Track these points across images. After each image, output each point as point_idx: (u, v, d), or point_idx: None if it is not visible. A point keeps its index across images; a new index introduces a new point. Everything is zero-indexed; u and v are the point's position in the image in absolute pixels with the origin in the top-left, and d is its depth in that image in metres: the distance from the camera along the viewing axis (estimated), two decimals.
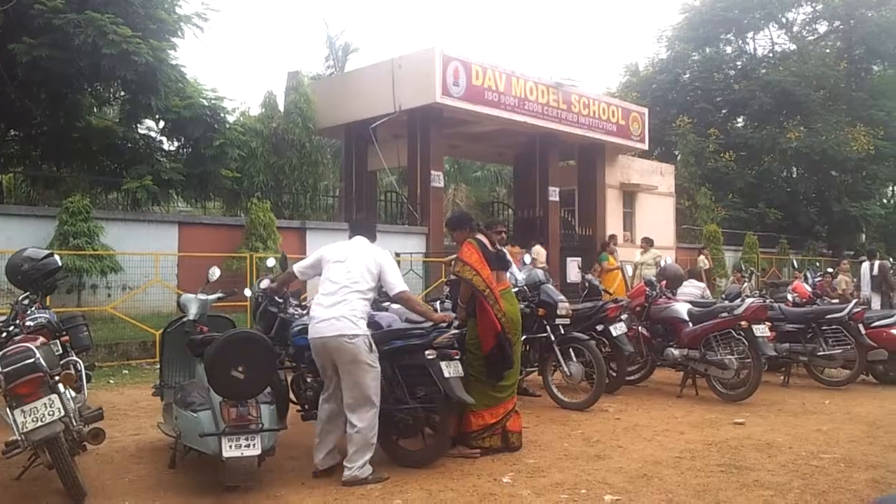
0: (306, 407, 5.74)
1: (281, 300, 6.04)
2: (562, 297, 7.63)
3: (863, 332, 8.74)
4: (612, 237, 16.25)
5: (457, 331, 5.27)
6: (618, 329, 7.85)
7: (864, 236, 29.66)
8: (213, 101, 13.28)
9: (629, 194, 20.58)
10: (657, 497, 4.57)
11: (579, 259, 17.37)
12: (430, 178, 15.16)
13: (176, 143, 14.08)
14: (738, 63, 31.77)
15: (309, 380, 5.69)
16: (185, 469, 5.09)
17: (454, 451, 5.40)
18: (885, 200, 32.68)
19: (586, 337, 7.45)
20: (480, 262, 5.67)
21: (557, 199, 18.13)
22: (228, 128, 13.60)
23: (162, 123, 13.62)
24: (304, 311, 5.91)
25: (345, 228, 14.09)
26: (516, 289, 7.42)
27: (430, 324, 5.18)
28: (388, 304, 7.43)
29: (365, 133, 15.81)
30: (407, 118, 15.26)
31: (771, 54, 32.19)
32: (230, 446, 4.39)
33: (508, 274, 6.94)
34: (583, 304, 8.62)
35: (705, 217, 23.66)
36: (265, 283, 9.33)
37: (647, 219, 20.56)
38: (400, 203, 17.00)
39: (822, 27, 32.17)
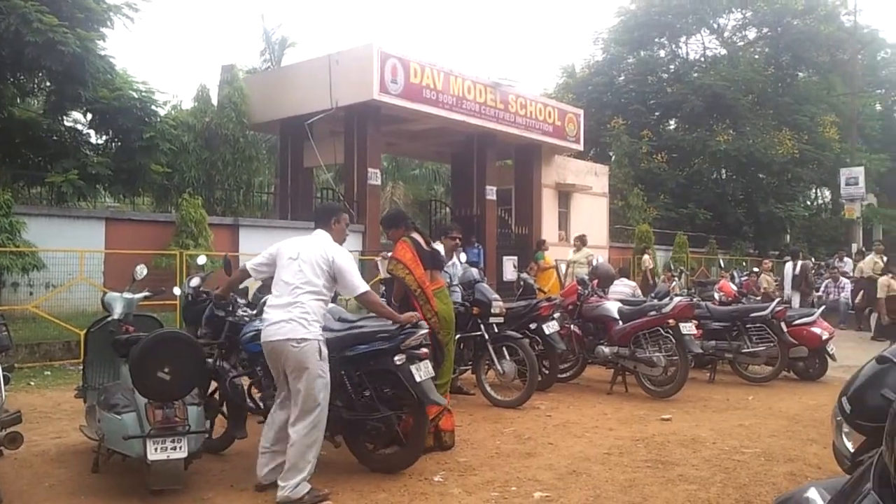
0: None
1: (228, 302, 5.74)
2: (496, 295, 7.71)
3: (785, 330, 9.05)
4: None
5: (425, 330, 5.04)
6: (550, 327, 7.95)
7: (788, 237, 30.72)
8: (143, 94, 12.93)
9: (565, 194, 20.87)
10: (585, 493, 4.65)
11: (515, 257, 17.55)
12: (367, 176, 15.08)
13: (104, 137, 13.65)
14: (671, 66, 32.55)
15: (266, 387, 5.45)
16: (109, 473, 4.94)
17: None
18: (808, 202, 33.93)
19: (520, 335, 7.53)
20: (414, 260, 5.68)
21: (494, 197, 18.26)
22: (159, 121, 13.26)
23: (89, 116, 13.19)
24: (254, 312, 5.64)
25: (279, 226, 14.07)
26: (454, 287, 7.47)
27: (396, 325, 4.88)
28: None
29: (301, 129, 15.62)
30: (344, 115, 15.14)
31: (702, 59, 33.08)
32: (155, 449, 4.29)
33: (445, 272, 6.99)
34: (517, 303, 8.70)
35: (638, 217, 24.16)
36: (196, 282, 9.14)
37: (581, 218, 20.88)
38: (336, 200, 16.85)
39: (752, 34, 33.22)
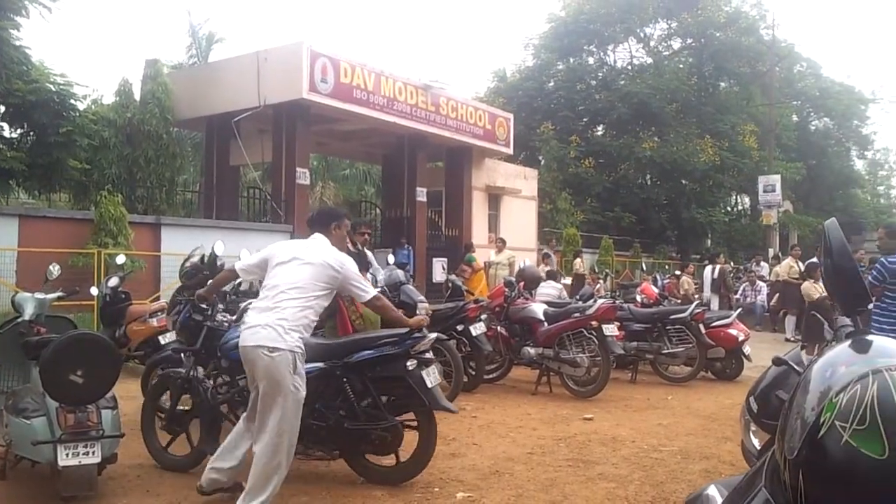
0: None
1: (207, 306, 5.28)
2: (421, 297, 7.72)
3: (703, 331, 9.35)
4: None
5: (434, 335, 4.93)
6: (477, 329, 8.01)
7: (709, 241, 31.69)
8: (61, 87, 12.46)
9: (494, 197, 21.02)
10: (507, 493, 4.70)
11: (445, 259, 17.60)
12: (296, 176, 14.86)
13: (18, 131, 13.09)
14: (600, 74, 33.16)
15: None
16: (17, 480, 4.74)
17: (310, 453, 5.01)
18: (728, 208, 35.07)
19: (445, 337, 7.53)
20: None
21: (425, 199, 18.24)
22: (78, 116, 12.80)
23: (2, 108, 12.63)
24: (234, 318, 5.25)
25: (203, 225, 13.76)
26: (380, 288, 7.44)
27: (405, 330, 4.75)
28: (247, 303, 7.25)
29: (227, 127, 15.29)
30: (272, 113, 14.89)
31: (629, 67, 33.80)
32: (67, 454, 4.16)
33: (369, 274, 6.96)
34: (444, 305, 8.74)
35: (565, 220, 24.53)
36: (114, 282, 8.91)
37: (510, 221, 21.07)
38: (263, 200, 16.60)
39: (677, 44, 34.12)
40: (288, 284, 4.21)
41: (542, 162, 28.45)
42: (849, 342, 1.28)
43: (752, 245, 30.07)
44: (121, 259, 9.40)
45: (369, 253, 7.65)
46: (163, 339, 7.56)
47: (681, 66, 32.55)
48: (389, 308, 4.83)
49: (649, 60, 33.44)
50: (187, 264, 6.45)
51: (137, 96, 15.61)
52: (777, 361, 2.34)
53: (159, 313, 8.03)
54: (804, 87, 37.00)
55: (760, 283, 17.64)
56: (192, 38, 24.73)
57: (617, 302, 9.55)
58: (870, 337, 1.27)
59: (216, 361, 5.23)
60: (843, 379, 1.15)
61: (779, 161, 30.29)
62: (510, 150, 20.64)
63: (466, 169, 19.50)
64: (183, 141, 18.79)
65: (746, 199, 34.79)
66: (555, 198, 25.44)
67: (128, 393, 7.18)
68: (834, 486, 1.10)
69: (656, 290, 11.60)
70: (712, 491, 1.51)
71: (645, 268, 15.87)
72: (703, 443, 6.16)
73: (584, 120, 31.66)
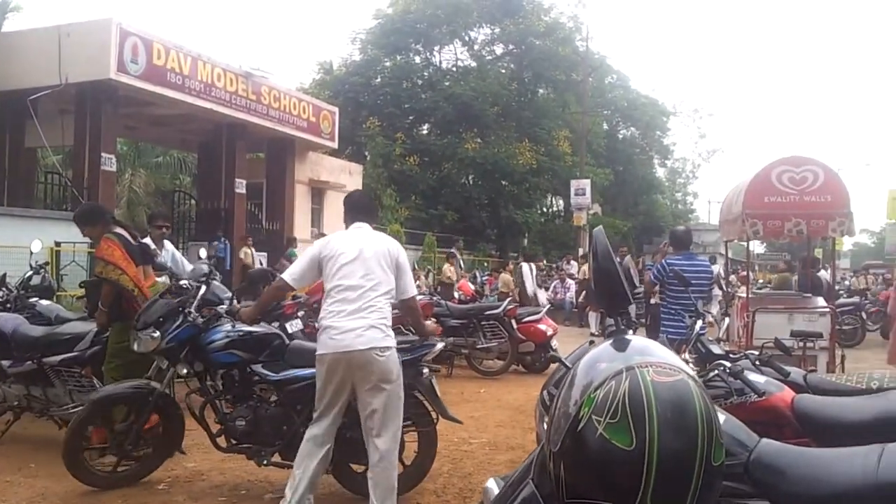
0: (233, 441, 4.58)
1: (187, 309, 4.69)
2: (228, 293, 7.41)
3: (515, 326, 9.75)
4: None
5: (442, 344, 4.76)
6: (293, 326, 7.79)
7: (526, 240, 33.14)
8: None
9: (318, 191, 20.77)
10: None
11: (265, 254, 17.15)
12: (101, 161, 13.84)
13: None
14: (426, 73, 33.64)
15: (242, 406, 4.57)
16: None
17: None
18: (544, 209, 36.82)
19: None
20: (125, 258, 5.29)
21: (244, 191, 17.67)
22: None
23: None
24: (202, 322, 4.64)
25: None
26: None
27: (414, 338, 4.59)
28: (36, 299, 6.67)
29: (23, 105, 13.95)
30: (75, 93, 13.76)
31: (455, 69, 34.53)
32: None
33: (171, 263, 6.66)
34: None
35: (390, 217, 24.70)
36: None
37: (335, 216, 20.82)
38: (63, 187, 15.33)
39: (499, 49, 35.27)
40: (372, 281, 4.05)
41: (368, 158, 28.46)
42: (610, 341, 1.35)
43: (564, 244, 31.70)
44: None
45: (168, 245, 7.27)
46: None
47: (503, 70, 33.71)
48: (419, 311, 4.73)
49: (473, 64, 34.32)
50: None
51: None
52: (552, 359, 2.46)
53: None
54: (614, 97, 39.52)
55: (570, 281, 18.66)
56: None
57: (435, 298, 9.73)
58: (629, 336, 1.35)
59: (179, 366, 4.63)
60: (601, 375, 1.21)
61: (590, 166, 32.10)
62: (335, 144, 20.49)
63: (289, 161, 19.13)
64: None
65: (560, 201, 36.61)
66: (380, 194, 25.52)
67: None
68: (590, 476, 1.15)
69: (473, 287, 11.94)
70: (491, 484, 1.55)
71: (462, 266, 16.31)
72: (511, 434, 6.40)
73: (410, 118, 32.02)
